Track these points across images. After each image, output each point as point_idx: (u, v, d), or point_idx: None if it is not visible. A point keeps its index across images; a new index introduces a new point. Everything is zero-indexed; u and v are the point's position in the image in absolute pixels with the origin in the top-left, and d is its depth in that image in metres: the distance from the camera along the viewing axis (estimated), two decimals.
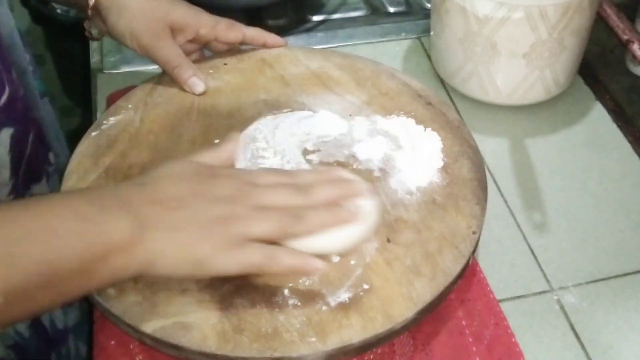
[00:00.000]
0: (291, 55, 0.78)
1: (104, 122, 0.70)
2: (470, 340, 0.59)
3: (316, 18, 0.98)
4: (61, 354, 0.74)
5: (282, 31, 0.96)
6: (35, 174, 0.71)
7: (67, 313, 0.74)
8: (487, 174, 0.70)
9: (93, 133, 0.69)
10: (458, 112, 0.80)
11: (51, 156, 0.71)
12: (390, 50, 0.90)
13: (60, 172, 0.69)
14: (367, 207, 0.54)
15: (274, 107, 0.71)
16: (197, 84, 0.72)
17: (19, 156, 0.68)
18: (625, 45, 0.80)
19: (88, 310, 0.66)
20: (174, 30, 0.71)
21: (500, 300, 0.62)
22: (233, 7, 0.98)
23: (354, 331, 0.54)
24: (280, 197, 0.52)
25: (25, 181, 0.69)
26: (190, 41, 0.74)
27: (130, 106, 0.71)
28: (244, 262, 0.50)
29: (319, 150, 0.67)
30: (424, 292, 0.56)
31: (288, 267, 0.51)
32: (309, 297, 0.56)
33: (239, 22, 0.76)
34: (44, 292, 0.44)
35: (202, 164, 0.53)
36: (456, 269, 0.58)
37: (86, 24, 0.74)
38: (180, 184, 0.50)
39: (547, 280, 0.65)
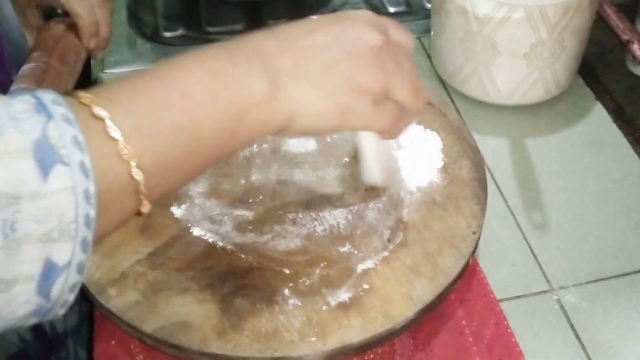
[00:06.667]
0: None
1: None
2: (470, 340, 0.59)
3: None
4: (60, 358, 0.74)
5: None
6: None
7: (67, 317, 0.73)
8: (487, 174, 0.70)
9: None
10: (458, 112, 0.80)
11: None
12: None
13: None
14: None
15: None
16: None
17: None
18: (625, 46, 0.80)
19: (88, 311, 0.66)
20: None
21: (500, 300, 0.62)
22: (233, 0, 0.98)
23: (354, 331, 0.54)
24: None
25: None
26: None
27: None
28: (383, 123, 0.47)
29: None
30: (424, 292, 0.56)
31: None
32: (309, 297, 0.56)
33: None
34: (187, 161, 0.41)
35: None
36: (456, 269, 0.58)
37: None
38: (312, 31, 0.46)
39: (547, 280, 0.65)
